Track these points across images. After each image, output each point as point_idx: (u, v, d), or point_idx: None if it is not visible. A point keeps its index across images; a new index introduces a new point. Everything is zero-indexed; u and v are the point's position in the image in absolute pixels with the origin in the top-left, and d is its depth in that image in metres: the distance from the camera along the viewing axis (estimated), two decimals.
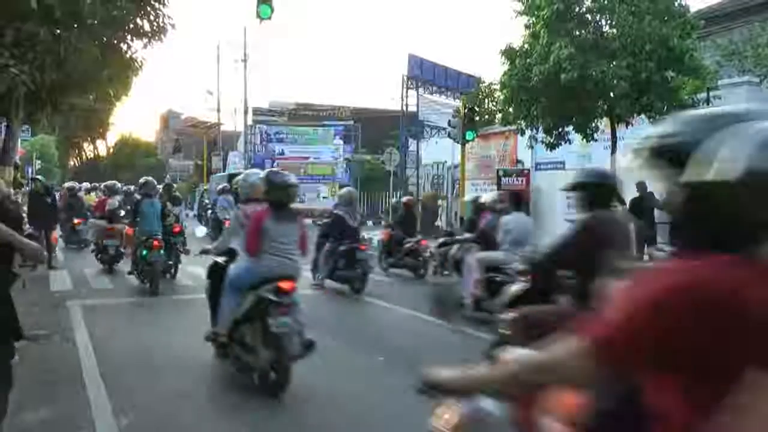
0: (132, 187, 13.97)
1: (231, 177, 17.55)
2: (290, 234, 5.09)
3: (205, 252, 5.86)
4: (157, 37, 11.30)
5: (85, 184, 21.28)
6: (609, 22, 11.91)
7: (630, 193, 8.95)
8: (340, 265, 9.60)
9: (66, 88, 11.59)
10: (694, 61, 11.38)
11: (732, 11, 17.82)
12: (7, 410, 3.15)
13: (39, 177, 16.39)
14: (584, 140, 12.60)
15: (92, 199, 17.12)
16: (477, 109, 18.40)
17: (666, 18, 11.27)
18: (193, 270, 10.31)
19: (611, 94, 11.47)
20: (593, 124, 12.20)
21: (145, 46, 11.48)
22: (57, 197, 13.41)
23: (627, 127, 12.08)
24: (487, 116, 22.22)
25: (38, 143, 39.73)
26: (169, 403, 4.66)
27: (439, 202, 22.47)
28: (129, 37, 11.34)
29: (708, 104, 11.73)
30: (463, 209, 13.68)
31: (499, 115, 17.42)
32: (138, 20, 11.11)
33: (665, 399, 1.18)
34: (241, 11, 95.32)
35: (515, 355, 1.48)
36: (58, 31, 9.75)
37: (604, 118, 12.28)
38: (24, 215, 11.59)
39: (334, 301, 9.25)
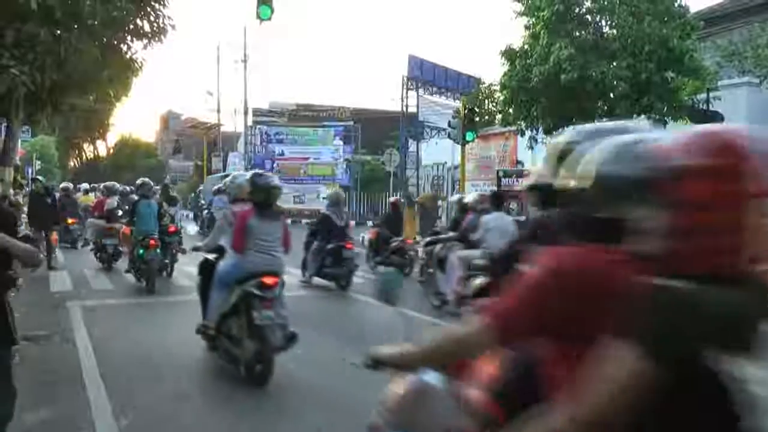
0: (128, 188, 14.01)
1: (225, 178, 17.66)
2: (273, 232, 5.37)
3: (196, 249, 6.17)
4: (157, 38, 11.32)
5: (84, 185, 21.37)
6: (609, 23, 11.93)
7: None
8: (327, 263, 10.00)
9: (66, 89, 11.60)
10: (694, 62, 11.39)
11: (732, 12, 17.84)
12: (12, 414, 3.16)
13: (39, 178, 16.38)
14: None
15: (90, 199, 17.13)
16: (477, 110, 18.37)
17: (666, 19, 11.28)
18: (191, 270, 10.30)
19: (611, 95, 11.49)
20: None
21: (145, 47, 11.52)
22: (57, 197, 13.41)
23: None
24: (487, 117, 22.21)
25: (38, 144, 39.78)
26: (168, 403, 4.67)
27: (439, 203, 22.45)
28: (129, 37, 11.36)
29: (708, 105, 11.72)
30: None
31: (499, 116, 17.43)
32: (138, 21, 11.13)
33: (551, 362, 1.44)
34: (241, 12, 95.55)
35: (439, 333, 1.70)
36: (59, 31, 9.76)
37: (604, 119, 12.29)
38: (24, 216, 11.68)
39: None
